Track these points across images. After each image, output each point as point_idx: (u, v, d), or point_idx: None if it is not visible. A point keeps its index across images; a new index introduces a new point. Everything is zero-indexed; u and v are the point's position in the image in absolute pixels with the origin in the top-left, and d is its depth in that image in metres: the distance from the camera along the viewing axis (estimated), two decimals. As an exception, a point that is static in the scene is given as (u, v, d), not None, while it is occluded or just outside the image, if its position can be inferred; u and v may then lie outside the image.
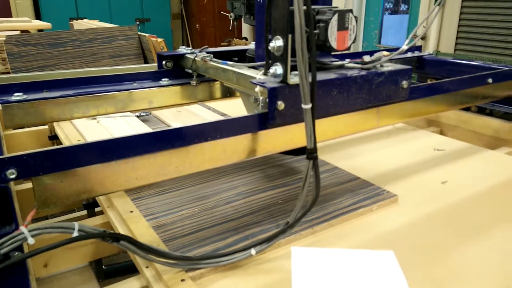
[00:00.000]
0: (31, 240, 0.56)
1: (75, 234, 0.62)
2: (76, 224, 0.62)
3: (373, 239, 0.85)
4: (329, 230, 0.88)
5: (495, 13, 3.18)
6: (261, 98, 0.74)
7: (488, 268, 0.76)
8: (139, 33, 3.47)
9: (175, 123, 1.58)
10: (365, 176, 1.10)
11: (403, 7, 4.10)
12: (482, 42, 3.32)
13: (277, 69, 0.72)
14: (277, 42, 0.71)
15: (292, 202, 0.98)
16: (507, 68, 1.11)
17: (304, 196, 0.73)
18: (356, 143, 1.37)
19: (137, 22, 6.09)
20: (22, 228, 0.56)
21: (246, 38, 5.64)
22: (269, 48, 0.72)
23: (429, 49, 2.56)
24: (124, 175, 0.64)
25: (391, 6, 4.21)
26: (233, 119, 0.71)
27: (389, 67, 0.86)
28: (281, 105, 0.72)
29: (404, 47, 0.90)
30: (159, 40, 3.26)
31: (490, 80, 1.04)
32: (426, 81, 1.58)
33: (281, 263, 0.77)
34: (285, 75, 0.72)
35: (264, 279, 0.73)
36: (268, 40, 0.74)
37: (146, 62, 3.41)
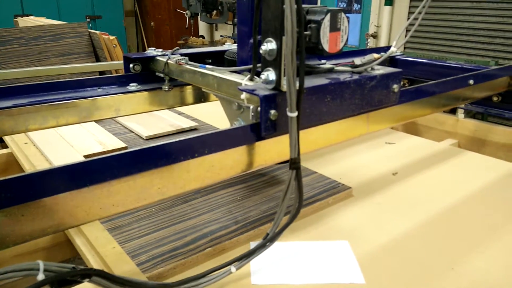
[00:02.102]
0: (-14, 291, 0.46)
1: (41, 275, 0.52)
2: (40, 264, 0.52)
3: (329, 230, 0.88)
4: None
5: (441, 12, 3.32)
6: (251, 107, 0.67)
7: (435, 250, 0.81)
8: (90, 30, 3.28)
9: (130, 123, 1.47)
10: (320, 170, 1.13)
11: (355, 6, 4.17)
12: (429, 40, 3.45)
13: (269, 74, 0.65)
14: (269, 45, 0.64)
15: (251, 198, 0.98)
16: (486, 70, 1.10)
17: (285, 207, 0.69)
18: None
19: (88, 20, 5.79)
20: (-25, 277, 0.45)
21: (203, 36, 5.52)
22: (261, 51, 0.64)
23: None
24: (98, 203, 0.54)
25: (345, 5, 4.27)
26: (222, 131, 0.63)
27: (380, 70, 0.81)
28: (274, 114, 0.65)
29: (393, 49, 0.86)
30: (112, 37, 3.10)
31: (471, 82, 1.03)
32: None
33: None
34: (278, 81, 0.65)
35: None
36: (258, 42, 0.67)
37: (98, 60, 3.24)
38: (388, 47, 1.44)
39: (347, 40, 0.75)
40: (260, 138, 0.66)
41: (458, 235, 0.86)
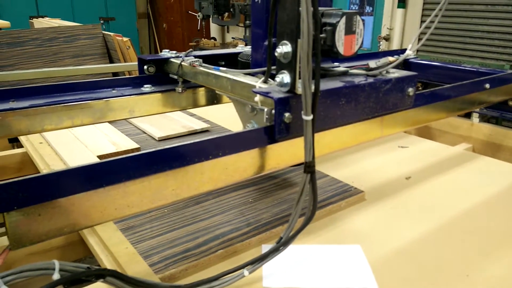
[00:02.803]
0: (4, 290, 0.46)
1: (56, 275, 0.53)
2: (56, 264, 0.52)
3: (341, 234, 0.87)
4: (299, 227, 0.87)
5: (455, 15, 3.28)
6: (265, 109, 0.67)
7: (449, 256, 0.79)
8: (104, 32, 3.31)
9: (143, 124, 1.48)
10: (332, 173, 1.12)
11: (368, 9, 4.15)
12: (442, 43, 3.41)
13: (284, 77, 0.65)
14: (284, 48, 0.63)
15: (263, 200, 0.98)
16: (503, 73, 1.09)
17: (300, 211, 0.68)
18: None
19: (101, 21, 5.85)
20: (-8, 276, 0.46)
21: (214, 38, 5.54)
22: (276, 54, 0.64)
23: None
24: (113, 204, 0.54)
25: (357, 8, 4.26)
26: (236, 134, 0.63)
27: (395, 73, 0.80)
28: (289, 117, 0.65)
29: (409, 52, 0.85)
30: (125, 39, 3.12)
31: (487, 86, 1.01)
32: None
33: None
34: (293, 84, 0.64)
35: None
36: (272, 45, 0.67)
37: (111, 61, 3.27)
38: (403, 50, 1.43)
39: (362, 42, 0.75)
40: (273, 141, 0.66)
41: (473, 241, 0.85)
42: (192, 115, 1.62)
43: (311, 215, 0.70)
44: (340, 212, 0.95)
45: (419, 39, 3.49)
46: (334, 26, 0.70)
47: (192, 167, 0.60)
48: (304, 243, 0.84)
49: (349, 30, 0.72)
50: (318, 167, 1.14)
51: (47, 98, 0.86)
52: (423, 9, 3.57)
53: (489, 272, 0.75)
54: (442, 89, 0.92)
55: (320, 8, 0.73)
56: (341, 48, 0.72)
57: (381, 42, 3.90)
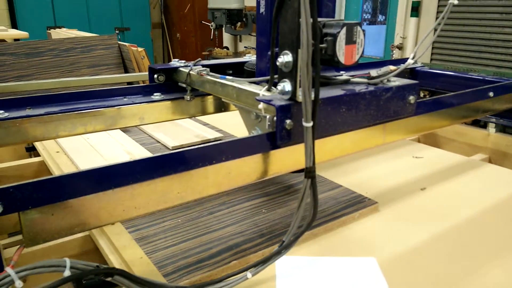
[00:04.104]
0: (18, 283, 0.50)
1: (67, 272, 0.56)
2: (67, 262, 0.56)
3: (355, 246, 0.86)
4: (312, 238, 0.88)
5: (468, 23, 3.27)
6: (268, 116, 0.69)
7: (469, 270, 0.78)
8: (119, 42, 3.39)
9: (157, 133, 1.52)
10: (346, 184, 1.11)
11: (380, 17, 4.16)
12: (456, 52, 3.39)
13: (285, 85, 0.68)
14: (285, 58, 0.66)
15: (276, 211, 0.98)
16: (507, 81, 1.10)
17: (301, 216, 0.70)
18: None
19: (117, 31, 5.98)
20: (8, 270, 0.49)
21: (227, 48, 5.61)
22: (277, 63, 0.67)
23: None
24: (121, 205, 0.57)
25: (369, 16, 4.27)
26: (239, 140, 0.66)
27: (396, 82, 0.83)
28: (290, 124, 0.67)
29: (410, 60, 0.87)
30: (140, 49, 3.19)
31: (491, 94, 1.02)
32: (419, 93, 1.56)
33: (265, 273, 0.74)
34: (294, 92, 0.67)
35: (249, 289, 0.71)
36: (275, 55, 0.70)
37: (126, 71, 3.34)
38: (406, 59, 1.45)
39: (363, 52, 0.77)
40: (275, 146, 0.69)
41: (489, 255, 0.83)
42: (205, 124, 1.65)
43: (312, 218, 0.72)
44: (354, 223, 0.94)
45: (432, 48, 3.50)
46: (334, 36, 0.72)
47: (197, 171, 0.63)
48: (318, 254, 0.83)
49: (350, 40, 0.74)
50: (331, 177, 1.16)
51: (61, 106, 0.90)
52: (437, 18, 3.56)
53: (508, 286, 0.74)
54: (445, 97, 0.93)
55: (322, 19, 0.76)
56: (342, 58, 0.74)
57: (394, 51, 3.90)
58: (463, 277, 0.76)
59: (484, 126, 1.47)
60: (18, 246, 0.54)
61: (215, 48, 5.33)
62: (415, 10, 3.69)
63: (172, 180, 0.61)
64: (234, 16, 4.43)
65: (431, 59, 3.54)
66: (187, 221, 0.93)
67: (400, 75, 1.54)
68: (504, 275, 0.77)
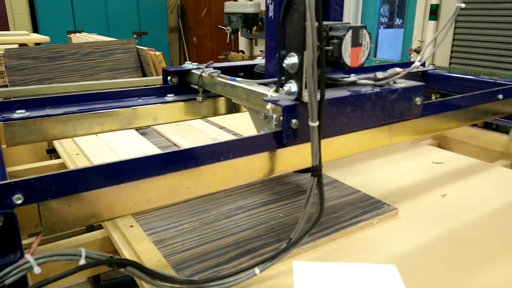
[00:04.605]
0: (37, 269, 0.53)
1: (82, 261, 0.59)
2: (83, 251, 0.59)
3: (374, 252, 0.85)
4: (330, 244, 0.88)
5: (489, 27, 3.22)
6: (274, 116, 0.72)
7: (491, 281, 0.76)
8: (138, 46, 3.46)
9: (174, 137, 1.56)
10: (364, 189, 1.09)
11: (397, 21, 4.14)
12: (476, 56, 3.34)
13: (292, 86, 0.70)
14: (291, 59, 0.69)
15: (294, 215, 0.97)
16: (517, 84, 1.10)
17: (308, 213, 0.72)
18: (355, 157, 1.35)
19: (135, 36, 6.10)
20: (28, 257, 0.53)
21: (243, 51, 5.66)
22: (284, 65, 0.70)
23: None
24: (134, 198, 0.61)
25: (386, 20, 4.25)
26: (246, 138, 0.69)
27: (402, 83, 0.84)
28: (295, 123, 0.70)
29: (417, 63, 0.88)
30: (158, 53, 3.26)
31: (500, 96, 1.03)
32: (431, 96, 1.57)
33: (283, 278, 0.76)
34: (299, 92, 0.70)
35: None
36: (282, 56, 0.72)
37: (144, 75, 3.41)
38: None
39: (369, 54, 0.80)
40: (281, 145, 0.71)
41: None
42: (222, 127, 1.67)
43: (319, 215, 0.73)
44: (373, 230, 0.93)
45: (451, 52, 3.47)
46: (340, 39, 0.75)
47: (206, 168, 0.66)
48: (336, 260, 0.82)
49: (356, 43, 0.76)
50: (349, 182, 1.14)
51: (79, 106, 0.94)
52: (456, 21, 3.52)
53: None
54: (452, 99, 0.94)
55: (328, 23, 0.79)
56: (347, 60, 0.76)
57: (411, 55, 3.87)
58: (485, 285, 0.75)
59: (497, 129, 1.45)
60: (37, 235, 0.58)
61: (231, 52, 5.38)
62: (434, 13, 3.66)
63: (182, 175, 0.64)
64: (250, 20, 4.48)
65: (450, 63, 3.49)
66: (204, 224, 0.94)
67: (412, 78, 1.56)
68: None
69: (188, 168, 0.63)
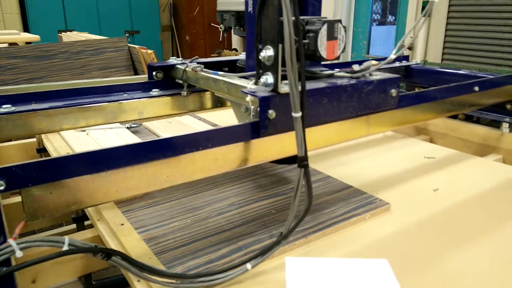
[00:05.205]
0: (19, 253, 0.55)
1: (65, 248, 0.61)
2: (66, 238, 0.61)
3: (366, 247, 0.85)
4: (322, 239, 0.88)
5: (481, 23, 3.24)
6: (252, 107, 0.75)
7: (480, 274, 0.76)
8: (129, 44, 3.47)
9: (166, 134, 1.56)
10: (357, 184, 1.10)
11: (390, 18, 4.17)
12: (468, 52, 3.37)
13: (268, 78, 0.73)
14: (267, 52, 0.71)
15: (286, 211, 0.97)
16: (492, 76, 1.13)
17: (297, 206, 0.73)
18: (347, 152, 1.38)
19: (127, 34, 6.10)
20: (10, 241, 0.55)
21: (236, 49, 5.68)
22: (260, 57, 0.72)
23: (416, 59, 2.59)
24: (114, 186, 0.63)
25: (379, 17, 4.28)
26: (224, 128, 0.71)
27: (378, 75, 0.87)
28: (272, 113, 0.72)
29: (392, 56, 0.91)
30: (149, 51, 3.26)
31: (476, 88, 1.06)
32: (414, 90, 1.60)
33: (275, 274, 0.77)
34: (276, 84, 0.72)
35: (258, 291, 0.72)
36: (259, 50, 0.75)
37: (136, 73, 3.41)
38: (406, 57, 1.49)
39: (344, 47, 0.82)
40: (258, 135, 0.74)
41: (503, 256, 0.81)
42: (214, 125, 1.68)
43: (308, 206, 0.74)
44: (365, 225, 0.93)
45: (444, 48, 3.49)
46: (316, 32, 0.77)
47: (185, 157, 0.68)
48: (328, 255, 0.82)
49: (331, 36, 0.79)
50: (340, 177, 1.14)
51: (65, 101, 0.97)
52: (448, 17, 3.54)
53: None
54: (428, 91, 0.97)
55: (305, 17, 0.81)
56: (323, 53, 0.79)
57: (403, 51, 3.89)
58: (478, 279, 0.75)
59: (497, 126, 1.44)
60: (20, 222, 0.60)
61: (224, 50, 5.40)
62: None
63: (162, 165, 0.67)
64: (243, 18, 4.48)
65: (442, 59, 3.52)
66: (196, 221, 0.94)
67: (396, 72, 1.59)
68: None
69: (167, 157, 0.66)
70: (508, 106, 1.31)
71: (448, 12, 3.50)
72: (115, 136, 1.53)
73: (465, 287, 0.73)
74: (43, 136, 1.49)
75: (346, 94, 0.81)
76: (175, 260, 0.80)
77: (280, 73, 0.71)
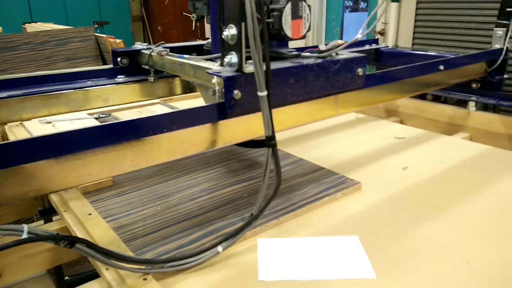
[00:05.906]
0: (-26, 244, 0.53)
1: (24, 236, 0.59)
2: (25, 226, 0.59)
3: (338, 225, 0.86)
4: (294, 220, 0.88)
5: (449, 7, 3.30)
6: (217, 88, 0.73)
7: (446, 246, 0.78)
8: (96, 34, 3.37)
9: None
10: (329, 166, 1.11)
11: (362, 4, 4.20)
12: (438, 36, 3.42)
13: (232, 58, 0.72)
14: (230, 31, 0.70)
15: (257, 195, 0.94)
16: (457, 56, 1.15)
17: (266, 186, 0.72)
18: (320, 135, 1.38)
19: (96, 25, 5.93)
20: (-36, 231, 0.52)
21: (209, 38, 5.61)
22: (223, 37, 0.71)
23: (388, 44, 2.62)
24: (74, 171, 0.61)
25: (351, 4, 4.30)
26: (189, 109, 0.70)
27: (344, 55, 0.87)
28: (237, 94, 0.71)
29: (358, 35, 0.91)
30: (118, 41, 3.18)
31: (441, 67, 1.08)
32: (384, 72, 1.61)
33: (248, 256, 0.77)
34: (240, 63, 0.71)
35: (230, 273, 0.72)
36: (222, 29, 0.73)
37: (104, 63, 3.33)
38: (375, 40, 1.50)
39: (309, 27, 0.82)
40: (225, 116, 0.72)
41: (472, 231, 0.83)
42: (171, 107, 1.67)
43: (277, 186, 0.73)
44: (336, 204, 0.94)
45: (414, 33, 3.54)
46: (280, 11, 0.76)
47: (149, 140, 0.67)
48: (301, 235, 0.82)
49: (296, 15, 0.78)
50: (313, 160, 1.14)
51: (25, 89, 0.93)
52: (417, 2, 3.59)
53: (489, 259, 0.74)
54: (394, 70, 0.98)
55: (269, -4, 0.80)
56: (289, 32, 0.78)
57: (376, 37, 3.94)
58: (447, 254, 0.76)
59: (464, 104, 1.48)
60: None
61: (197, 39, 5.32)
62: (396, -4, 3.72)
63: (125, 149, 0.65)
64: (214, 7, 4.42)
65: (413, 44, 3.57)
66: (167, 208, 0.93)
67: (368, 55, 1.59)
68: (491, 249, 0.77)
69: (129, 140, 0.64)
70: (474, 85, 1.34)
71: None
72: (82, 127, 1.48)
73: (430, 257, 0.75)
74: (6, 129, 1.43)
75: (313, 73, 0.81)
76: (145, 246, 0.79)
77: (244, 53, 0.70)
